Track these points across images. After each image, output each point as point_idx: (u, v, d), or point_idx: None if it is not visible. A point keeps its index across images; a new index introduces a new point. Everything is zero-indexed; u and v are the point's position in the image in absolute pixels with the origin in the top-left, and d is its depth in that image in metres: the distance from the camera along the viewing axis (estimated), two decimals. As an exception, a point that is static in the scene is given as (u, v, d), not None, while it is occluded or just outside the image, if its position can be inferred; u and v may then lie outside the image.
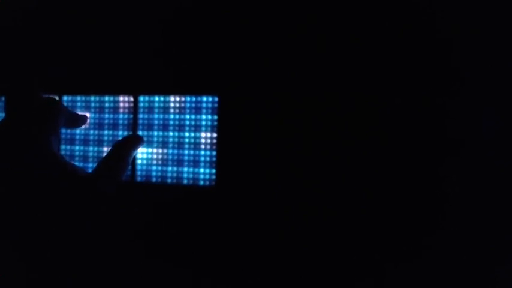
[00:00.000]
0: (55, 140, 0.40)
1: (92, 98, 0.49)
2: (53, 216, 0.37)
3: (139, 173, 0.47)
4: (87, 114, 0.48)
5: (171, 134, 0.47)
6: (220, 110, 0.45)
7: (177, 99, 0.47)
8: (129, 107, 0.48)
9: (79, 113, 0.48)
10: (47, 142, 0.39)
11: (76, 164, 0.44)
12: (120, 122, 0.48)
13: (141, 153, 0.47)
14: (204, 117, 0.46)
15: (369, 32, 0.43)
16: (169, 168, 0.46)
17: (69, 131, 0.49)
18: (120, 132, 0.48)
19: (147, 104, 0.47)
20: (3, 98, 0.52)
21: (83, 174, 0.40)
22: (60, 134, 0.42)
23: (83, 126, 0.48)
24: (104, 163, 0.42)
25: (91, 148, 0.49)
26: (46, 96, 0.43)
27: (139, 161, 0.47)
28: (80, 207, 0.38)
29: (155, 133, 0.47)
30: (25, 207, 0.37)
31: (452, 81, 0.41)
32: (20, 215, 0.37)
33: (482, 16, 0.41)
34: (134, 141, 0.45)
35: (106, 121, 0.49)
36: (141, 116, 0.48)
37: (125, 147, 0.44)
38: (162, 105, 0.47)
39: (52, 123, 0.41)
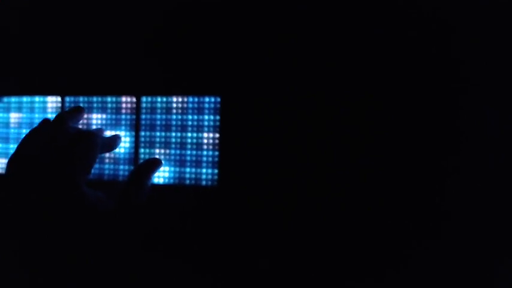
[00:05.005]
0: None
1: (95, 99, 0.49)
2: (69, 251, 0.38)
3: (141, 173, 0.47)
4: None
5: (173, 134, 0.47)
6: (222, 111, 0.45)
7: (180, 99, 0.47)
8: (131, 108, 0.48)
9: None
10: (76, 184, 0.39)
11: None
12: (123, 122, 0.48)
13: (144, 154, 0.48)
14: (206, 117, 0.46)
15: (372, 32, 0.43)
16: (172, 169, 0.47)
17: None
18: (123, 133, 0.48)
19: (149, 105, 0.48)
20: (4, 99, 0.53)
21: (104, 210, 0.40)
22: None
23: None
24: (124, 193, 0.42)
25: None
26: (82, 129, 0.43)
27: (141, 162, 0.47)
28: (96, 241, 0.39)
29: (157, 133, 0.47)
30: (42, 243, 0.38)
31: (455, 80, 0.41)
32: (38, 248, 0.38)
33: (485, 13, 0.41)
34: (153, 165, 0.45)
35: (108, 121, 0.49)
36: (143, 116, 0.48)
37: (144, 172, 0.44)
38: (164, 105, 0.47)
39: (85, 164, 0.41)
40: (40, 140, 0.42)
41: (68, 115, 0.45)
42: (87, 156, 0.41)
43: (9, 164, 0.41)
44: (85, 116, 0.49)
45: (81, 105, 0.49)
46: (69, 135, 0.42)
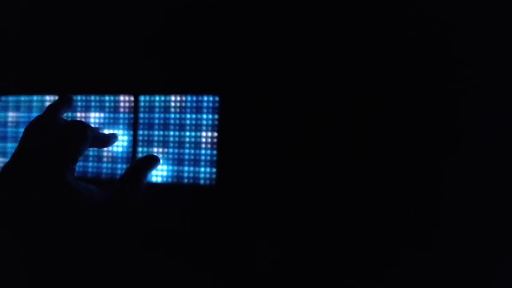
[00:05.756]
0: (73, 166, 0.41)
1: (93, 98, 0.49)
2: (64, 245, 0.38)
3: (139, 172, 0.47)
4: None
5: (171, 133, 0.47)
6: (221, 110, 0.45)
7: (178, 98, 0.47)
8: (129, 107, 0.48)
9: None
10: (62, 173, 0.39)
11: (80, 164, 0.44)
12: (121, 121, 0.48)
13: (142, 153, 0.47)
14: (204, 116, 0.46)
15: (372, 32, 0.43)
16: (170, 168, 0.46)
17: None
18: (121, 131, 0.48)
19: (147, 104, 0.47)
20: (2, 98, 0.52)
21: (97, 202, 0.40)
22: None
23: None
24: (120, 189, 0.42)
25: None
26: (74, 120, 0.43)
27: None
28: (93, 237, 0.39)
29: (156, 132, 0.47)
30: (35, 238, 0.37)
31: (455, 80, 0.41)
32: (31, 243, 0.38)
33: (485, 13, 0.41)
34: (151, 162, 0.45)
35: (106, 120, 0.49)
36: (141, 115, 0.48)
37: (142, 169, 0.44)
38: (162, 104, 0.47)
39: (73, 154, 0.40)
40: (34, 133, 0.42)
41: (58, 106, 0.45)
42: (76, 146, 0.40)
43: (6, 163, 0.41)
44: (83, 114, 0.49)
45: (79, 104, 0.49)
46: (60, 125, 0.41)
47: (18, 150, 0.41)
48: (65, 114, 0.47)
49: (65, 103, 0.46)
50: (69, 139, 0.40)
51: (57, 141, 0.40)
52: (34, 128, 0.42)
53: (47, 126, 0.42)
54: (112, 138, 0.46)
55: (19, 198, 0.38)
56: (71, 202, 0.38)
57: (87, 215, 0.39)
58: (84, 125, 0.42)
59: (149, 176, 0.45)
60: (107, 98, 0.49)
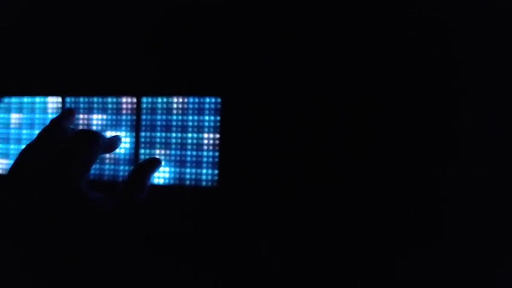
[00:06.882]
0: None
1: (95, 99, 0.49)
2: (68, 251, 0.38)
3: (142, 173, 0.47)
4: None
5: (173, 135, 0.47)
6: (223, 111, 0.45)
7: (180, 100, 0.47)
8: (132, 108, 0.48)
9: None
10: (76, 184, 0.39)
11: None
12: (123, 123, 0.48)
13: (144, 154, 0.48)
14: (206, 118, 0.46)
15: (372, 32, 0.43)
16: (172, 169, 0.47)
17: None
18: (123, 133, 0.48)
19: (150, 105, 0.48)
20: (4, 100, 0.53)
21: (103, 210, 0.40)
22: None
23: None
24: (125, 193, 0.42)
25: (94, 149, 0.49)
26: (84, 129, 0.43)
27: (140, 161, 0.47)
28: (98, 241, 0.39)
29: (158, 134, 0.47)
30: (43, 243, 0.38)
31: (455, 81, 0.41)
32: (40, 249, 0.38)
33: (486, 13, 0.41)
34: (153, 165, 0.45)
35: (109, 122, 0.49)
36: (144, 117, 0.48)
37: (145, 172, 0.44)
38: (165, 106, 0.47)
39: (87, 164, 0.41)
40: (40, 144, 0.42)
41: (61, 119, 0.46)
42: (89, 155, 0.41)
43: (10, 169, 0.41)
44: (86, 116, 0.49)
45: (82, 105, 0.49)
46: (70, 136, 0.42)
47: (24, 161, 0.41)
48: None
49: (68, 116, 0.46)
50: (83, 149, 0.41)
51: (70, 152, 0.40)
52: (42, 141, 0.42)
53: (55, 138, 0.42)
54: (118, 142, 0.47)
55: (27, 204, 0.38)
56: (86, 212, 0.39)
57: (100, 222, 0.39)
58: (96, 134, 0.42)
59: (152, 177, 0.45)
60: (109, 99, 0.49)
